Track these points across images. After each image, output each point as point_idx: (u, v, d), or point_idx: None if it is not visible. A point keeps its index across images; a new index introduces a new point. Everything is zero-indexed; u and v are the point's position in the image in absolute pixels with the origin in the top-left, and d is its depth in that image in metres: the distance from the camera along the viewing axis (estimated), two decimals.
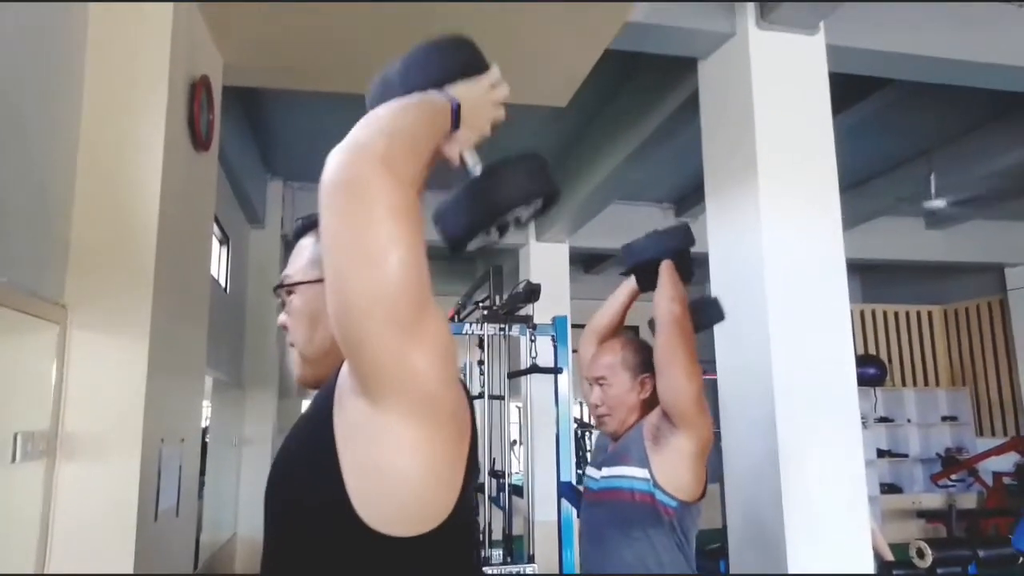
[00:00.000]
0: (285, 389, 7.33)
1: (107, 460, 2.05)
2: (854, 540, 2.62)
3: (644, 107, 4.33)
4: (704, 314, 2.02)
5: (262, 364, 6.19)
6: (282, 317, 1.00)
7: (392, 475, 0.75)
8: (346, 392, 0.79)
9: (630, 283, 2.06)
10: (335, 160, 0.74)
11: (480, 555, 0.92)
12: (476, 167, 0.92)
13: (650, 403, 1.91)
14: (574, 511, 3.45)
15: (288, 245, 6.87)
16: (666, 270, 1.85)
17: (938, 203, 5.41)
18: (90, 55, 2.21)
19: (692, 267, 1.95)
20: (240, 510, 5.92)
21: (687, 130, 4.60)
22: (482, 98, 0.92)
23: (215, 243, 5.20)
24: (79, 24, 2.19)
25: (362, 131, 0.77)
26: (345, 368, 0.80)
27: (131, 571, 2.00)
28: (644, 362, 1.94)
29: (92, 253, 2.12)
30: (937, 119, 5.14)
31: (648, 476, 1.78)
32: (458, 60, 0.93)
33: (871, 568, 2.58)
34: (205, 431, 6.77)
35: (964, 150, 5.41)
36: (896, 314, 9.06)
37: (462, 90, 0.90)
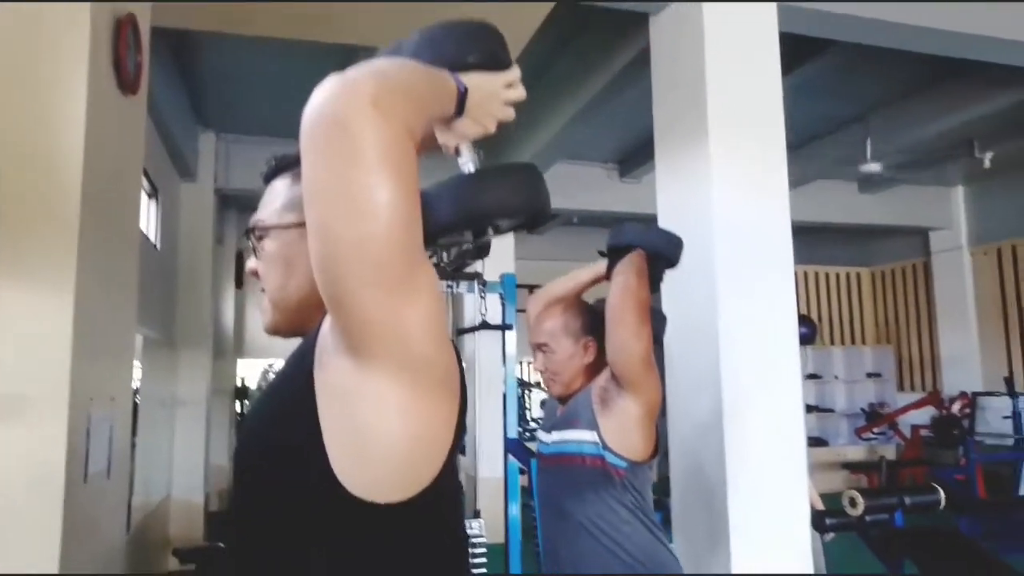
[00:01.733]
0: (220, 349, 7.14)
1: (32, 421, 1.94)
2: (793, 492, 2.71)
3: (591, 65, 4.27)
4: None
5: (195, 322, 5.99)
6: (251, 263, 0.93)
7: (377, 440, 0.71)
8: (328, 350, 0.74)
9: (599, 266, 1.99)
10: (318, 94, 0.67)
11: (463, 520, 0.88)
12: (469, 164, 0.87)
13: (596, 365, 1.92)
14: (519, 467, 3.47)
15: (223, 199, 6.67)
16: (637, 256, 1.81)
17: (873, 166, 5.57)
18: None
19: (661, 280, 1.90)
20: (174, 473, 5.77)
21: (633, 89, 4.58)
22: (494, 94, 0.86)
23: (144, 196, 4.95)
24: None
25: (354, 70, 0.69)
26: (327, 324, 0.75)
27: (59, 535, 1.90)
28: (586, 325, 1.94)
29: (11, 204, 1.96)
30: (874, 84, 5.25)
31: (597, 439, 1.79)
32: (479, 48, 0.85)
33: (807, 517, 2.68)
34: (136, 392, 6.55)
35: (899, 115, 5.56)
36: (827, 275, 9.38)
37: (475, 79, 0.83)
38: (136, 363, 6.67)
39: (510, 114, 0.89)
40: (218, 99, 5.47)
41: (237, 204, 7.71)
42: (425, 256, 0.72)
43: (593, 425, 1.80)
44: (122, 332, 2.59)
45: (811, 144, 6.14)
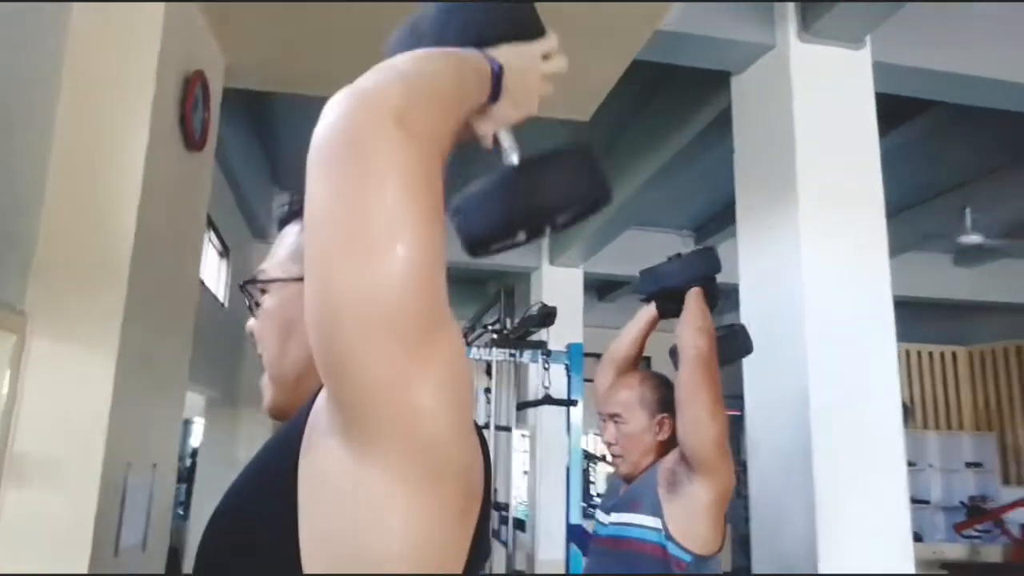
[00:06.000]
0: None
1: (62, 486, 1.83)
2: None
3: (668, 127, 4.12)
4: (730, 345, 1.89)
5: (258, 382, 5.97)
6: (251, 322, 0.79)
7: (369, 548, 0.52)
8: (320, 429, 0.57)
9: (649, 310, 1.94)
10: (332, 107, 0.54)
11: None
12: (513, 154, 0.74)
13: (667, 445, 1.79)
14: (581, 555, 3.20)
15: None
16: (693, 298, 1.74)
17: (974, 238, 5.17)
18: (71, 44, 2.03)
19: (719, 295, 1.82)
20: None
21: (711, 153, 4.40)
22: (531, 68, 0.73)
23: (214, 255, 5.01)
24: (60, 12, 2.00)
25: (372, 75, 0.56)
26: (321, 398, 0.58)
27: None
28: (663, 400, 1.81)
29: (60, 256, 1.91)
30: (973, 150, 4.92)
31: (660, 526, 1.66)
32: (509, 18, 0.73)
33: None
34: (196, 452, 6.54)
35: (999, 184, 5.19)
36: (919, 353, 8.77)
37: (508, 54, 0.70)
38: (199, 420, 6.69)
39: (550, 90, 0.76)
40: (294, 161, 5.56)
41: None
42: (450, 314, 0.55)
43: (657, 511, 1.68)
44: (171, 394, 2.49)
45: (902, 214, 5.80)
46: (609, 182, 0.79)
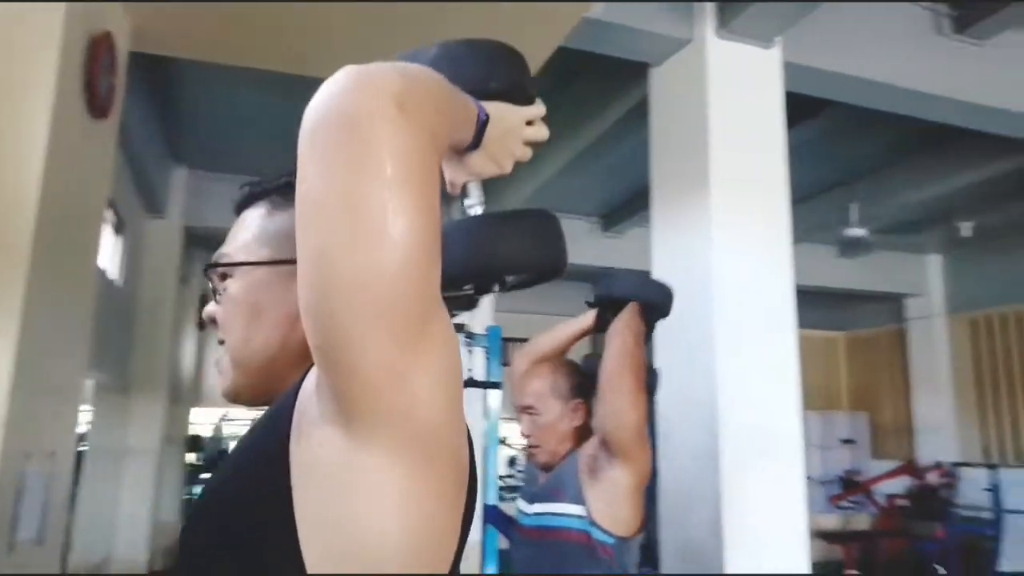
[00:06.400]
0: (177, 394, 6.80)
1: None
2: (797, 567, 2.54)
3: (585, 115, 4.19)
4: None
5: (152, 366, 5.67)
6: (211, 307, 0.75)
7: (366, 532, 0.53)
8: (311, 418, 0.56)
9: (588, 317, 1.93)
10: (329, 86, 0.52)
11: None
12: (476, 207, 0.75)
13: (582, 431, 1.83)
14: (499, 535, 3.24)
15: (191, 237, 6.42)
16: (632, 310, 1.76)
17: (858, 231, 5.55)
18: None
19: (653, 330, 1.85)
20: (117, 530, 5.36)
21: (624, 142, 4.51)
22: (515, 129, 0.74)
23: (108, 230, 4.70)
24: None
25: (372, 65, 0.55)
26: (309, 384, 0.58)
27: None
28: (576, 386, 1.85)
29: None
30: (861, 149, 5.26)
31: (584, 513, 1.70)
32: (505, 76, 0.73)
33: None
34: (82, 438, 6.15)
35: (884, 181, 5.58)
36: (804, 339, 9.33)
37: (497, 109, 0.71)
38: (86, 407, 6.28)
39: (528, 154, 0.77)
40: (194, 133, 5.28)
41: (206, 243, 7.45)
42: (442, 303, 0.56)
43: (579, 498, 1.71)
44: (70, 380, 2.33)
45: (795, 207, 6.13)
46: (566, 251, 0.80)
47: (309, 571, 0.54)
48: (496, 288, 0.79)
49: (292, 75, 3.08)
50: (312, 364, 0.58)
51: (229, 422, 12.21)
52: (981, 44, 3.49)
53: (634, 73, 3.41)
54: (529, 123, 0.76)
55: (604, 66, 3.62)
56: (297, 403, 0.59)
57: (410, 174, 0.51)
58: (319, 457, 0.55)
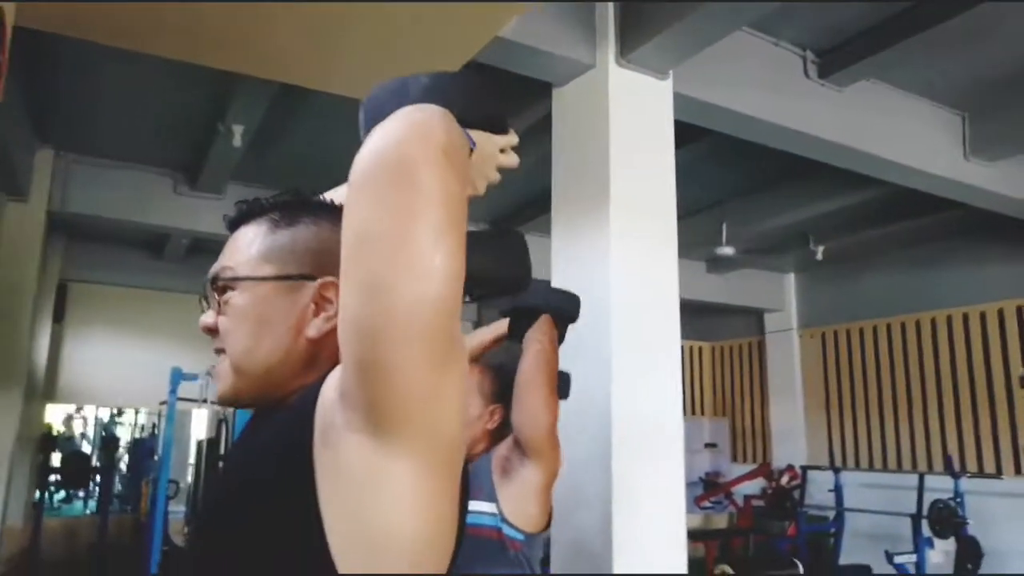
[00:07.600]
0: (33, 391, 6.30)
1: None
2: (677, 564, 2.74)
3: None
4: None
5: (6, 359, 5.22)
6: (208, 317, 0.80)
7: (390, 527, 0.61)
8: (336, 425, 0.63)
9: (500, 326, 1.98)
10: (383, 133, 0.61)
11: None
12: None
13: (494, 434, 1.91)
14: None
15: (55, 222, 5.96)
16: (548, 323, 1.84)
17: (727, 250, 5.98)
18: None
19: (564, 336, 1.92)
20: None
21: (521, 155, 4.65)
22: (492, 156, 0.83)
23: None
24: None
25: (416, 111, 0.64)
26: (330, 395, 0.65)
27: None
28: (497, 392, 1.93)
29: None
30: (733, 175, 5.69)
31: (496, 510, 1.78)
32: (487, 108, 0.81)
33: None
34: None
35: (751, 206, 6.07)
36: None
37: (478, 137, 0.79)
38: None
39: (498, 178, 0.88)
40: (63, 114, 4.93)
41: (68, 229, 6.96)
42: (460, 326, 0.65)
43: (492, 496, 1.80)
44: None
45: None
46: (530, 268, 0.89)
47: (334, 554, 0.61)
48: (466, 299, 0.86)
49: (176, 63, 2.99)
50: (320, 373, 0.65)
51: (81, 419, 11.34)
52: (840, 90, 3.90)
53: (538, 90, 3.54)
54: (502, 150, 0.85)
55: (508, 82, 3.73)
56: (318, 411, 0.65)
57: (451, 216, 0.60)
58: (347, 461, 0.62)
